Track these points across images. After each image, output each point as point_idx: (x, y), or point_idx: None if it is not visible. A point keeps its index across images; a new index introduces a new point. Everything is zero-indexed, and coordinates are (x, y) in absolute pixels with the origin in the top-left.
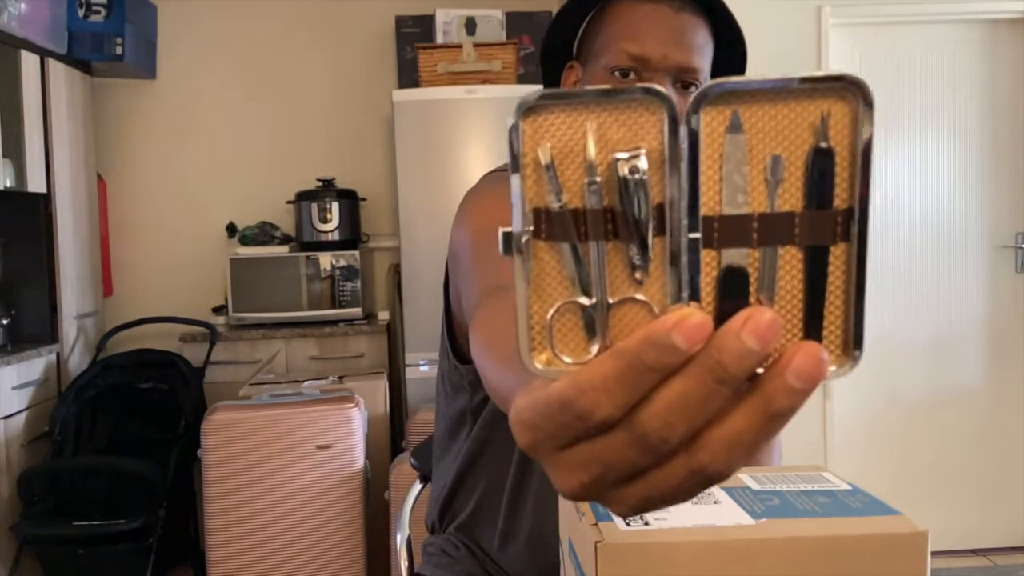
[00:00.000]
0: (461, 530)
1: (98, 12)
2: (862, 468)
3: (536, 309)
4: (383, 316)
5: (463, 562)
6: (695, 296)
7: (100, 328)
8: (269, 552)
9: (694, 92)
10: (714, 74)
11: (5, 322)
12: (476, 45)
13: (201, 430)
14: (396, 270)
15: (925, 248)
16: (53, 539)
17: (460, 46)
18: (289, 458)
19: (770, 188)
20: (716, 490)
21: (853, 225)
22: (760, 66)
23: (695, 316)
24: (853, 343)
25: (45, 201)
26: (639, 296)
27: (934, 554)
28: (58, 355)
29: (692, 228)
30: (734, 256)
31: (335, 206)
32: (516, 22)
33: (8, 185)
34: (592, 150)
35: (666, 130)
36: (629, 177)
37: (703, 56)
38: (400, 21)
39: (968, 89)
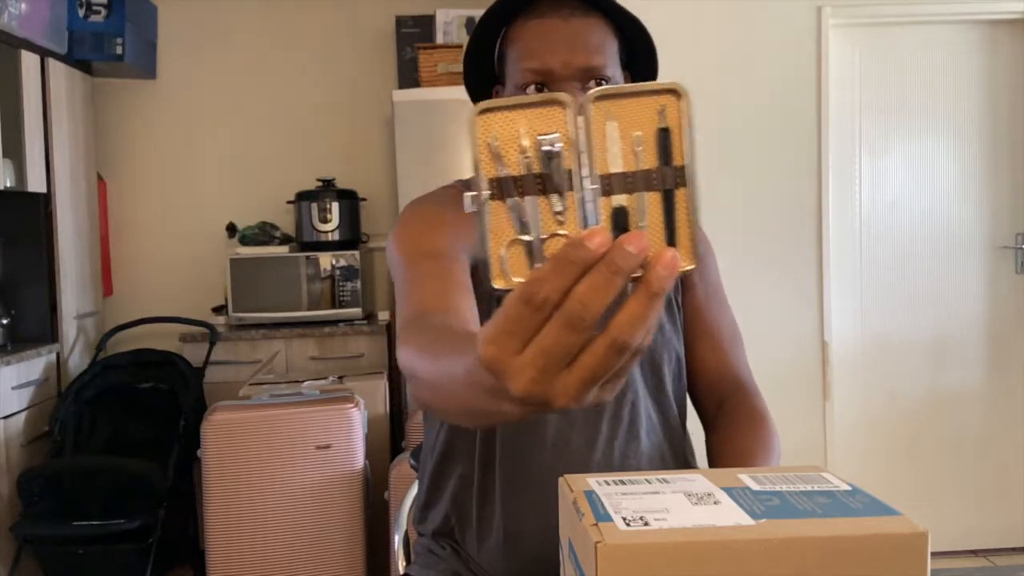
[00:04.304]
0: (440, 534)
1: (98, 12)
2: (862, 468)
3: (494, 247)
4: (383, 316)
5: (448, 560)
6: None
7: (100, 328)
8: (269, 552)
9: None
10: (628, 59)
11: (5, 322)
12: None
13: (201, 430)
14: None
15: (925, 249)
16: (53, 539)
17: (460, 46)
18: (289, 458)
19: (636, 155)
20: (716, 490)
21: (686, 175)
22: (761, 64)
23: (598, 231)
24: (693, 251)
25: (45, 201)
26: (561, 231)
27: (934, 554)
28: (58, 355)
29: (593, 183)
30: (619, 200)
31: (335, 206)
32: None
33: (8, 185)
34: (524, 136)
35: (570, 121)
36: (549, 152)
37: (603, 52)
38: (400, 21)
39: (968, 89)
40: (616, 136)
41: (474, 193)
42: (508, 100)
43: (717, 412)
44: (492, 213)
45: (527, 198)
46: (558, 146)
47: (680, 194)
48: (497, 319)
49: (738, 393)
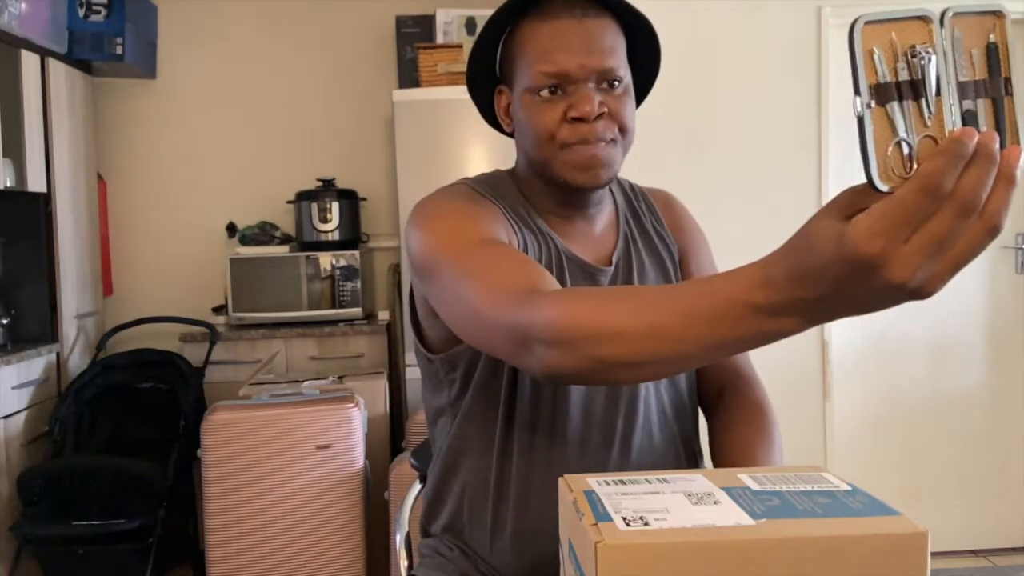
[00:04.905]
0: (448, 532)
1: (98, 12)
2: (862, 468)
3: (879, 149)
4: (383, 316)
5: (456, 562)
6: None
7: (100, 328)
8: (269, 552)
9: (619, 88)
10: (631, 58)
11: (5, 322)
12: None
13: (201, 430)
14: (396, 270)
15: None
16: (53, 539)
17: (460, 46)
18: (289, 458)
19: (975, 66)
20: (716, 490)
21: (1012, 85)
22: (761, 64)
23: (970, 130)
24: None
25: (45, 201)
26: (930, 133)
27: (934, 554)
28: (58, 355)
29: (954, 90)
30: (967, 104)
31: (335, 206)
32: None
33: (8, 185)
34: (899, 45)
35: (936, 33)
36: (924, 61)
37: (615, 54)
38: (400, 21)
39: None
40: (963, 49)
41: (858, 99)
42: (884, 13)
43: (717, 401)
44: (875, 116)
45: (903, 103)
46: (929, 54)
47: (1007, 101)
48: (884, 214)
49: (737, 382)
